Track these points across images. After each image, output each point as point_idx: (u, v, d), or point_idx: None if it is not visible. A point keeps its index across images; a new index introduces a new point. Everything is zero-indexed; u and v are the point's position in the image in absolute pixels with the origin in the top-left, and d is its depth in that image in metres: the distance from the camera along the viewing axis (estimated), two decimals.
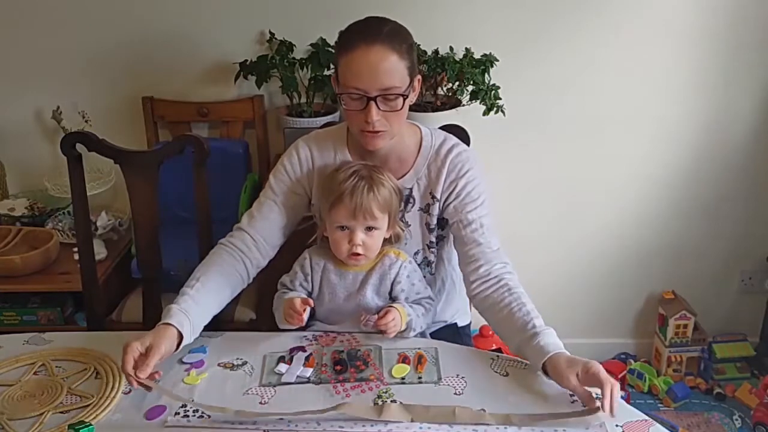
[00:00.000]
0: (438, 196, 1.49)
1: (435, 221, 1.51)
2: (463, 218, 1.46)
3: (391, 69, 1.34)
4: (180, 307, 1.33)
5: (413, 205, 1.51)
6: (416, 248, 1.54)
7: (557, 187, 2.46)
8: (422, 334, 1.52)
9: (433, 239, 1.54)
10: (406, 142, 1.50)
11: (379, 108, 1.35)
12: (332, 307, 1.48)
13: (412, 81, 1.40)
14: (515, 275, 1.43)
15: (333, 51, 2.11)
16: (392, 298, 1.46)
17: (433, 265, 1.57)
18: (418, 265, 1.55)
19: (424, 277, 1.56)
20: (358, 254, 1.42)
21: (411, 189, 1.51)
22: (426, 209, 1.51)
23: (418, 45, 1.59)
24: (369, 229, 1.41)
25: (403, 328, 1.39)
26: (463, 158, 1.49)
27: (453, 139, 1.53)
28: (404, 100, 1.37)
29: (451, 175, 1.48)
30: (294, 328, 1.41)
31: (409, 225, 1.52)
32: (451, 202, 1.48)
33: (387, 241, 1.48)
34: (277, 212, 1.51)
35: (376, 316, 1.38)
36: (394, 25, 1.38)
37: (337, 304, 1.47)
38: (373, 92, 1.34)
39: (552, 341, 1.27)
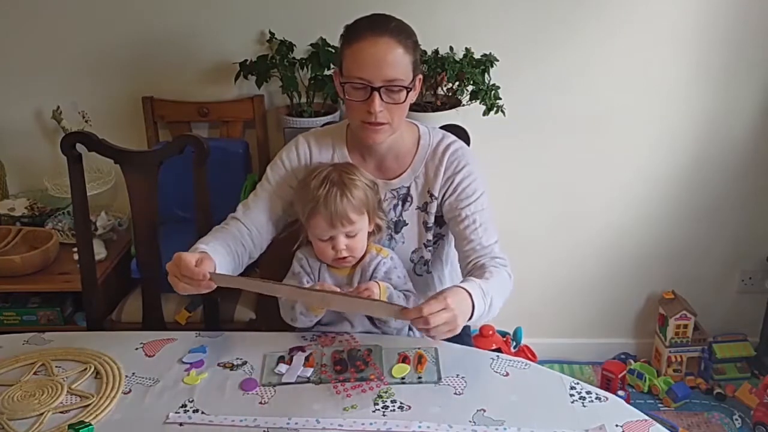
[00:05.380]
0: (436, 194, 1.49)
1: (432, 219, 1.52)
2: (458, 215, 1.46)
3: (397, 61, 1.36)
4: (201, 247, 1.37)
5: (411, 204, 1.52)
6: (414, 247, 1.54)
7: (557, 186, 2.46)
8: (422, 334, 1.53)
9: (430, 238, 1.54)
10: (405, 140, 1.50)
11: (382, 99, 1.36)
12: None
13: (415, 77, 1.41)
14: (503, 267, 1.42)
15: (333, 51, 2.12)
16: None
17: (430, 264, 1.57)
18: (414, 264, 1.55)
19: (420, 276, 1.56)
20: (345, 257, 1.42)
21: (409, 187, 1.51)
22: (424, 208, 1.51)
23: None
24: (349, 232, 1.41)
25: (380, 298, 1.35)
26: (460, 154, 1.50)
27: (450, 137, 1.53)
28: (407, 93, 1.38)
29: (448, 171, 1.49)
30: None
31: (407, 224, 1.53)
32: (447, 199, 1.49)
33: (370, 234, 1.48)
34: (272, 204, 1.52)
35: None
36: (400, 22, 1.41)
37: None
38: (378, 83, 1.35)
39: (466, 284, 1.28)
